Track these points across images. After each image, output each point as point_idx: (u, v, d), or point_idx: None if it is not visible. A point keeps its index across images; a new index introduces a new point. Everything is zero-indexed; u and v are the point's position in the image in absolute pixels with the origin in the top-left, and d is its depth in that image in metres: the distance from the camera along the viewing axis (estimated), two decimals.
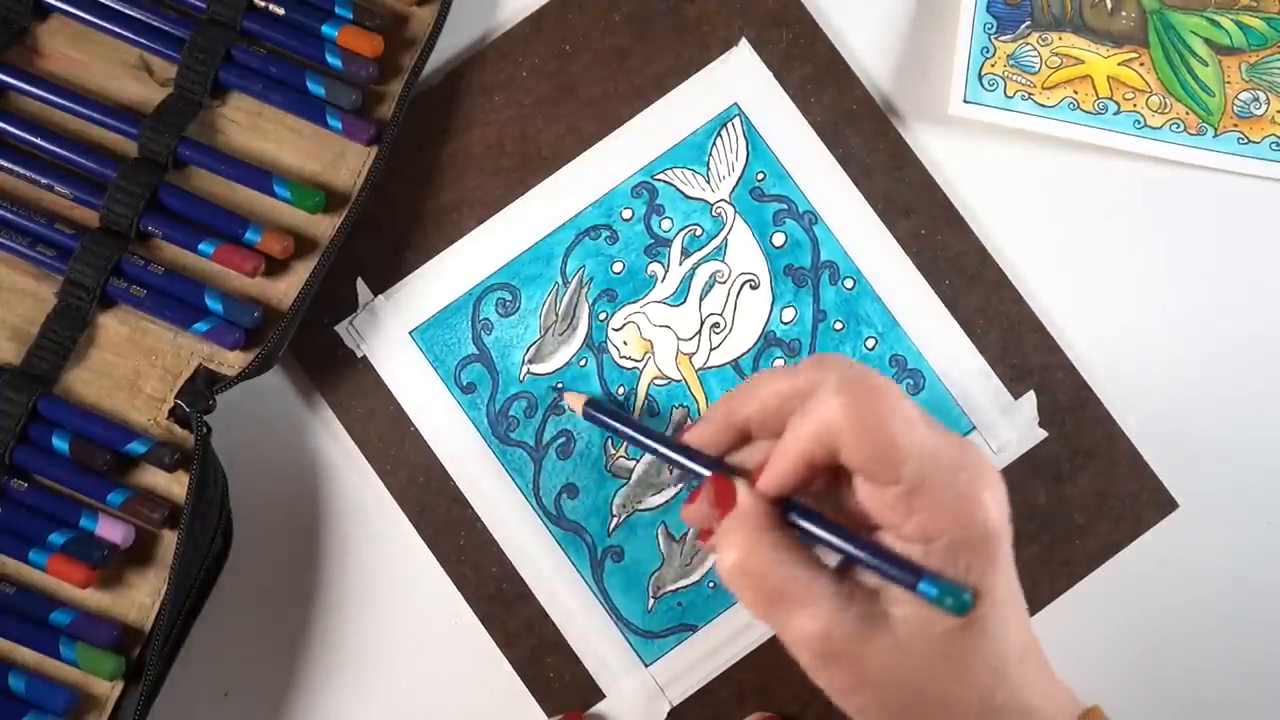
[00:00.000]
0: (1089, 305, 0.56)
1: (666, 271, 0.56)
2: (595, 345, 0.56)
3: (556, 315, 0.56)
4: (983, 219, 0.56)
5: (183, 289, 0.52)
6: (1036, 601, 0.54)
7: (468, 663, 0.54)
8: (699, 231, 0.56)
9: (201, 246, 0.52)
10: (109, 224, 0.52)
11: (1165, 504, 0.55)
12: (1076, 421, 0.55)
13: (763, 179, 0.56)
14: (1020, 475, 0.55)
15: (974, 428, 0.55)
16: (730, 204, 0.56)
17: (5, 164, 0.53)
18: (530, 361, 0.55)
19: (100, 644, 0.50)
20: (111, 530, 0.50)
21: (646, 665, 0.54)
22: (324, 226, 0.54)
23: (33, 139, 0.53)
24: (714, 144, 0.56)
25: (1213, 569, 0.55)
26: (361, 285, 0.55)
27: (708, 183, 0.56)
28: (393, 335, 0.55)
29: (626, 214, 0.56)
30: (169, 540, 0.51)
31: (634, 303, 0.56)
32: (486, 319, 0.56)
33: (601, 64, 0.56)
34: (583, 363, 0.55)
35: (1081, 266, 0.56)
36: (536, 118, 0.56)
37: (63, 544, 0.50)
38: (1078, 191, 0.57)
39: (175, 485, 0.51)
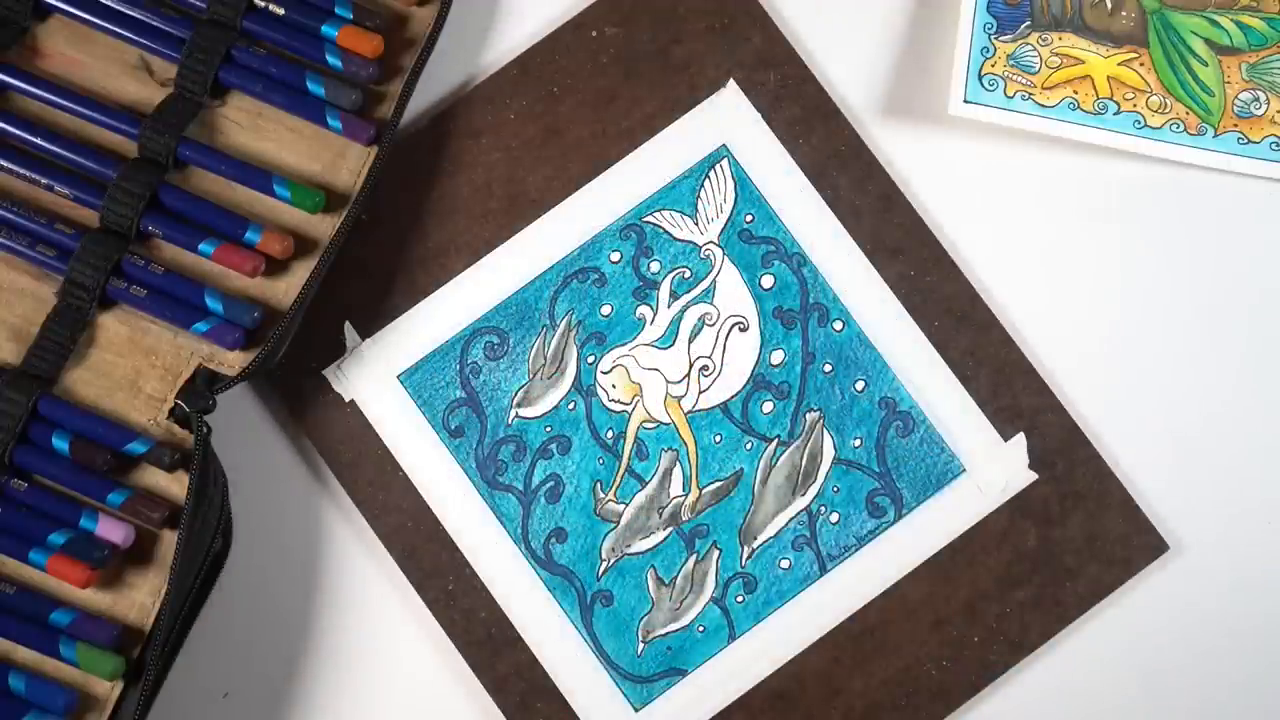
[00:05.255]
0: (1079, 345, 0.56)
1: (655, 314, 0.56)
2: (584, 388, 0.55)
3: (545, 358, 0.56)
4: (974, 227, 0.56)
5: (183, 289, 0.52)
6: (1028, 645, 0.54)
7: (457, 710, 0.54)
8: (687, 274, 0.56)
9: (201, 246, 0.52)
10: (109, 224, 0.52)
11: (1156, 546, 0.55)
12: (1067, 463, 0.55)
13: (751, 221, 0.56)
14: (1010, 517, 0.55)
15: (964, 470, 0.55)
16: (719, 246, 0.56)
17: (5, 164, 0.53)
18: (519, 405, 0.55)
19: (100, 644, 0.49)
20: (111, 530, 0.50)
21: (636, 710, 0.54)
22: (324, 226, 0.54)
23: (33, 139, 0.53)
24: (702, 186, 0.56)
25: (1204, 611, 0.55)
26: (349, 329, 0.55)
27: (696, 225, 0.56)
28: (380, 379, 0.55)
29: (615, 256, 0.56)
30: (169, 540, 0.51)
31: (622, 346, 0.56)
32: (474, 362, 0.55)
33: (589, 106, 0.56)
34: (571, 406, 0.55)
35: (1071, 299, 0.56)
36: (524, 160, 0.56)
37: (63, 544, 0.50)
38: (1074, 197, 0.57)
39: (175, 485, 0.51)
